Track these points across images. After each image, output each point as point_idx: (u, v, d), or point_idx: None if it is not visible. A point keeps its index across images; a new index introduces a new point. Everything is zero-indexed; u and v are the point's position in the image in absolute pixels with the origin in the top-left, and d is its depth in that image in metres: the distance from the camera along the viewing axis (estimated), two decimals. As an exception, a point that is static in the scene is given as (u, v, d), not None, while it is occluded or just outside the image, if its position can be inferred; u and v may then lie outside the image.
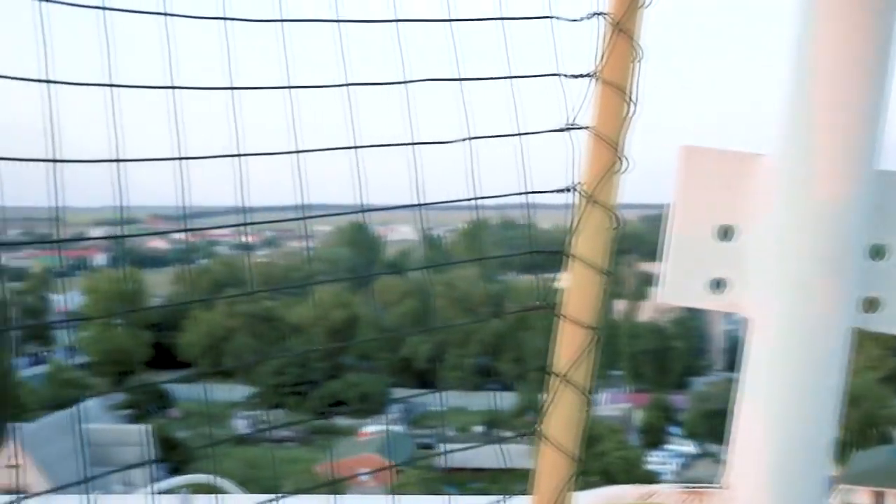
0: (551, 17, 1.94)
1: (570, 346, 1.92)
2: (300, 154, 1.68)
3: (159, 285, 51.99)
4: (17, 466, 31.41)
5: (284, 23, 1.67)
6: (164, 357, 44.45)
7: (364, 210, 1.76)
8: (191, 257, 55.26)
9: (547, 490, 1.90)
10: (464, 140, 1.84)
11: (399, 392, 43.20)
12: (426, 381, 45.02)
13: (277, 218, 1.84)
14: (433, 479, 29.83)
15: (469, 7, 1.89)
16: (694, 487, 2.17)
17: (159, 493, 3.33)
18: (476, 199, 1.89)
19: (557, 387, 1.91)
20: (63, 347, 65.65)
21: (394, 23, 1.77)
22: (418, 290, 44.42)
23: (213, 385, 44.13)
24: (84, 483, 1.51)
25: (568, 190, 1.93)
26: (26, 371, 50.30)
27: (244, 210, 1.67)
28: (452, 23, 1.83)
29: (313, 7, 1.73)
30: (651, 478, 35.00)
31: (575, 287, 1.92)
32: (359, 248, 53.73)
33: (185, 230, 1.63)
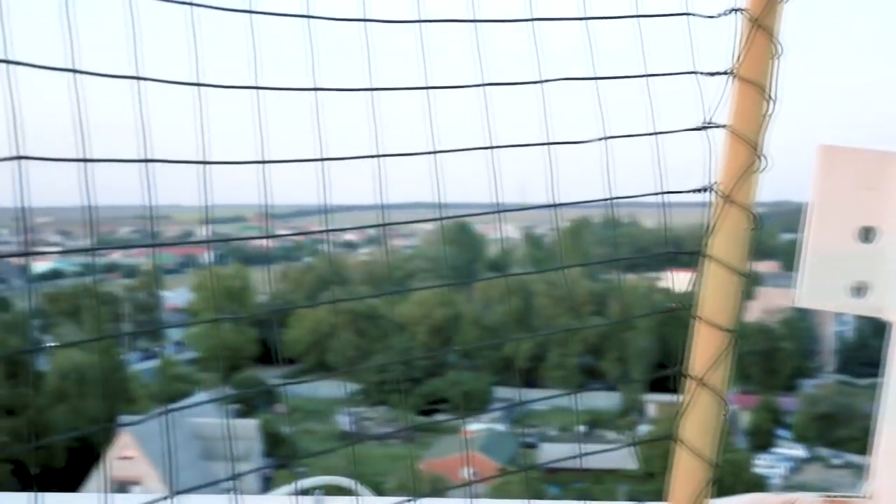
0: (687, 14, 1.91)
1: (706, 349, 1.88)
2: (437, 154, 1.68)
3: (266, 282, 52.94)
4: (129, 458, 32.38)
5: (422, 23, 1.67)
6: (269, 353, 45.22)
7: (499, 210, 1.75)
8: (297, 255, 56.17)
9: (683, 496, 1.87)
10: (600, 140, 1.82)
11: (501, 391, 43.18)
12: (528, 379, 44.90)
13: (417, 218, 1.85)
14: (536, 478, 29.76)
15: (604, 6, 1.87)
16: (835, 496, 2.11)
17: (293, 493, 3.37)
18: (612, 199, 1.87)
19: (694, 390, 1.87)
20: (172, 343, 67.35)
21: (530, 22, 1.76)
22: (520, 288, 44.29)
23: (318, 381, 44.70)
24: (232, 480, 1.53)
25: (704, 190, 1.90)
26: (137, 365, 51.70)
27: (382, 208, 1.68)
28: (588, 21, 1.82)
29: (449, 6, 1.72)
30: (759, 482, 34.30)
31: (712, 289, 1.88)
32: (461, 246, 53.83)
33: (326, 231, 1.64)
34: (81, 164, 1.32)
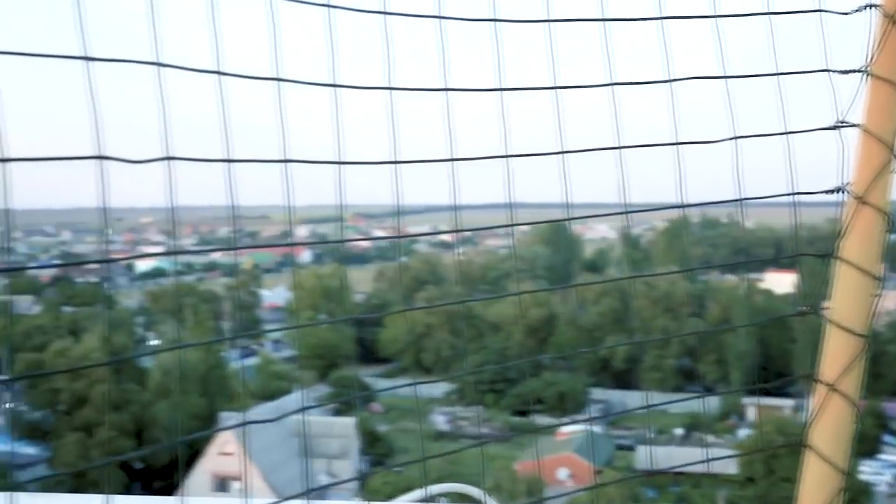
0: (820, 11, 1.86)
1: (838, 354, 1.83)
2: (566, 155, 1.67)
3: (362, 282, 53.44)
4: (229, 455, 32.97)
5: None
6: (367, 352, 45.64)
7: (628, 212, 1.73)
8: (392, 255, 56.56)
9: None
10: (730, 139, 1.78)
11: (598, 392, 42.86)
12: (624, 381, 44.49)
13: (545, 219, 1.83)
14: (634, 481, 29.47)
15: (734, 4, 1.84)
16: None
17: (418, 500, 3.38)
18: (741, 200, 1.83)
19: (825, 396, 1.82)
20: (272, 341, 68.36)
21: (658, 20, 1.74)
22: (616, 288, 43.89)
23: (414, 380, 44.94)
24: (361, 478, 1.54)
25: (837, 190, 1.85)
26: (238, 363, 52.60)
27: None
28: (717, 19, 1.78)
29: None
30: (865, 489, 33.41)
31: (844, 292, 1.83)
32: (557, 246, 53.60)
33: (457, 231, 1.63)
34: (224, 163, 1.34)
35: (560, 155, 1.66)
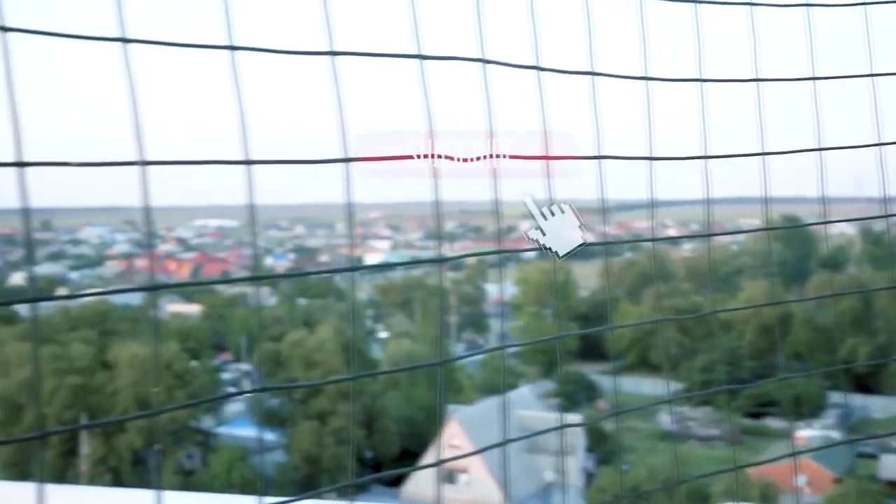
0: None
1: None
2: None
3: (587, 277, 52.99)
4: (456, 447, 33.38)
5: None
6: (592, 348, 45.22)
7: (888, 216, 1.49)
8: (619, 250, 55.86)
9: None
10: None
11: (836, 396, 40.84)
12: (865, 384, 42.21)
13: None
14: (876, 490, 27.89)
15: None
16: None
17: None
18: None
19: None
20: (496, 335, 68.87)
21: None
22: (856, 285, 41.64)
23: (640, 379, 44.20)
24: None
25: None
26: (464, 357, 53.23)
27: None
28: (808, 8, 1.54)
29: None
30: None
31: None
32: (791, 241, 51.45)
33: (709, 235, 1.45)
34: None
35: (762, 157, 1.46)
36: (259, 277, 1.35)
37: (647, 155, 1.41)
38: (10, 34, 1.05)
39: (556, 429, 1.86)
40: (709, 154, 1.54)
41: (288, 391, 40.13)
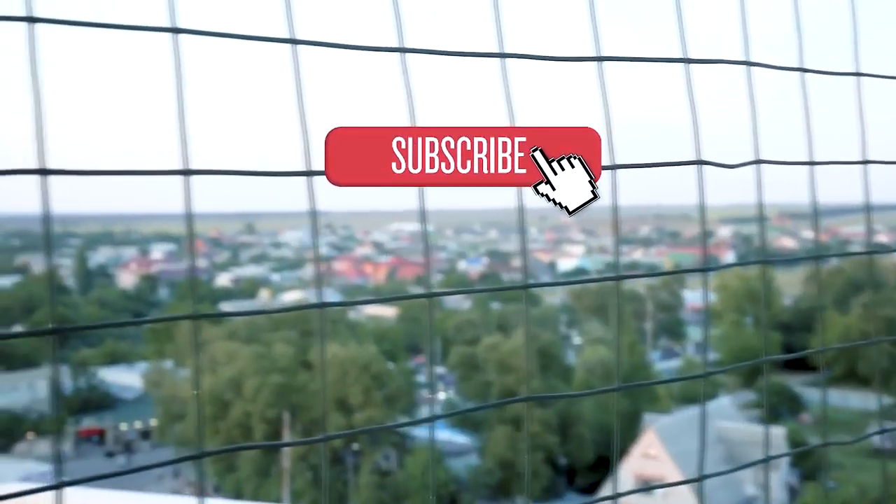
0: None
1: None
2: None
3: (791, 285, 51.00)
4: (653, 457, 32.66)
5: None
6: (796, 358, 43.41)
7: None
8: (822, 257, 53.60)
9: None
10: None
11: None
12: None
13: None
14: None
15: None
16: None
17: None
18: None
19: None
20: (693, 343, 67.27)
21: None
22: None
23: (847, 392, 42.21)
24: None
25: None
26: (660, 364, 52.36)
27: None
28: None
29: None
30: None
31: None
32: None
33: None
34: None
35: None
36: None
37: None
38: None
39: (761, 462, 1.83)
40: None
41: (484, 395, 40.34)
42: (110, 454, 56.34)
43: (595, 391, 1.69)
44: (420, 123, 1.18)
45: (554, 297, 68.88)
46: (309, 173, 1.15)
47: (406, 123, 1.16)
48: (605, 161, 1.23)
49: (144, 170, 1.07)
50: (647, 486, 1.92)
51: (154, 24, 1.08)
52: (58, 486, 1.02)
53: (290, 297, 78.21)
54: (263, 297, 79.19)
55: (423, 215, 1.19)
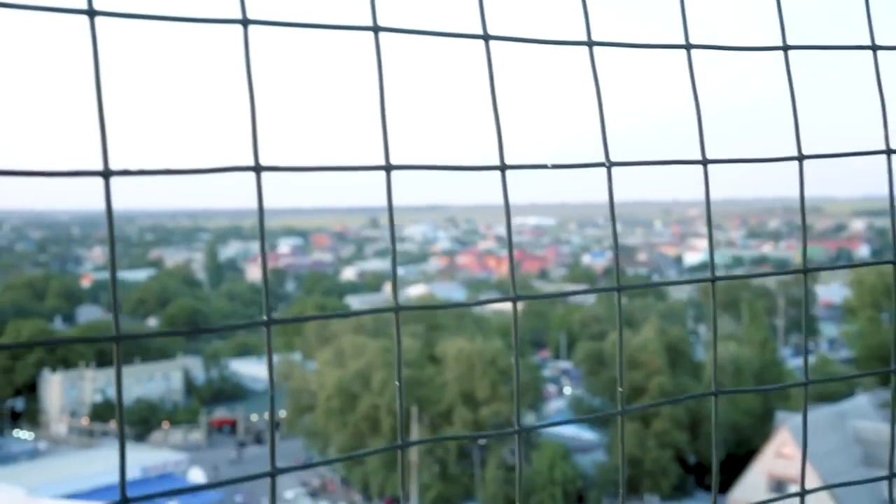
0: None
1: None
2: None
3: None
4: (787, 457, 31.72)
5: None
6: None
7: None
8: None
9: None
10: None
11: None
12: None
13: None
14: None
15: None
16: None
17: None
18: None
19: None
20: (827, 340, 65.25)
21: None
22: None
23: None
24: None
25: None
26: (791, 361, 51.01)
27: None
28: None
29: None
30: None
31: None
32: None
33: None
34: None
35: None
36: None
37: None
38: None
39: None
40: None
41: (611, 390, 39.94)
42: (242, 444, 57.75)
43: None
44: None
45: (681, 293, 67.62)
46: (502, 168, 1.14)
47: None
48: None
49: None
50: (832, 484, 1.76)
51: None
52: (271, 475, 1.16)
53: (415, 291, 78.77)
54: (388, 291, 79.97)
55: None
